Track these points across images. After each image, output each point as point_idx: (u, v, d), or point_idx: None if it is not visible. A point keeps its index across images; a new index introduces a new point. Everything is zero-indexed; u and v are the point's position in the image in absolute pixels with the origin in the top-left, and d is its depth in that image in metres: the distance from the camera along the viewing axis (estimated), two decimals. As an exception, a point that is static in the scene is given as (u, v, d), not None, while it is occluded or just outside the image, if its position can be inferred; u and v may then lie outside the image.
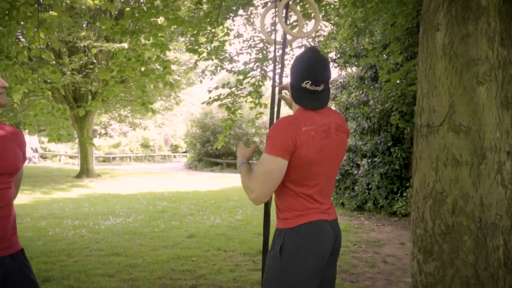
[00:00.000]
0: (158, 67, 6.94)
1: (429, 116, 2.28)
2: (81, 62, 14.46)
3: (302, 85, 1.96)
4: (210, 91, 6.33)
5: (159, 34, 4.67)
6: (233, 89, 6.16)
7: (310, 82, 1.94)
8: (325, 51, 8.87)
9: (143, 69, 4.77)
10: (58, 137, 4.85)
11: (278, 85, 2.27)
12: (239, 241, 6.24)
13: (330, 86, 2.05)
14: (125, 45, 14.47)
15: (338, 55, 10.95)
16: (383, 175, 8.82)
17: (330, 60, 11.03)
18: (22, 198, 10.64)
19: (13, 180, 2.02)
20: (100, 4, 6.37)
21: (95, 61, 15.51)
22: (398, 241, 6.59)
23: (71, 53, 15.22)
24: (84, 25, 15.11)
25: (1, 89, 1.92)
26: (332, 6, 7.45)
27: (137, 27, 4.57)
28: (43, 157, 30.54)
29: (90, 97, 17.46)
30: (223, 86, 6.15)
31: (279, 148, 1.86)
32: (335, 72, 11.84)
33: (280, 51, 2.50)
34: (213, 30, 6.66)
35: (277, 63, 2.47)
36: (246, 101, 6.44)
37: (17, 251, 2.00)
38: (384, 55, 7.09)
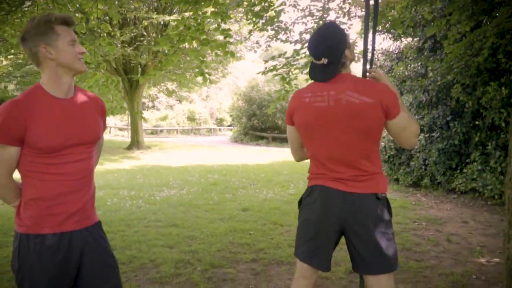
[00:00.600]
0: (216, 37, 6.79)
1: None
2: (131, 34, 14.55)
3: (312, 59, 2.11)
4: (266, 61, 6.16)
5: (220, 2, 4.53)
6: (290, 59, 5.96)
7: (313, 57, 2.08)
8: (382, 21, 8.48)
9: (203, 37, 4.64)
10: (111, 110, 4.86)
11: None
12: (294, 216, 6.12)
13: (345, 59, 2.07)
14: (175, 16, 14.43)
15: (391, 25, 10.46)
16: (441, 150, 8.44)
17: (384, 31, 10.56)
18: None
19: (94, 150, 1.98)
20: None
21: (145, 33, 15.59)
22: (460, 219, 6.31)
23: (121, 26, 15.35)
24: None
25: (80, 55, 1.84)
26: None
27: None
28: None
29: (140, 70, 17.67)
30: (279, 56, 5.96)
31: (287, 117, 2.24)
32: (388, 43, 11.37)
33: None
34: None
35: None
36: (302, 73, 6.22)
37: (94, 223, 1.96)
38: (447, 25, 6.64)
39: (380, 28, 10.03)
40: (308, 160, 2.28)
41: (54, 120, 1.78)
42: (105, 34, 10.26)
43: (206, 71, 5.28)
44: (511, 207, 2.13)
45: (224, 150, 18.59)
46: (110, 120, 33.42)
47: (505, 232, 2.18)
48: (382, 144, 10.00)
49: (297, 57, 5.94)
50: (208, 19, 4.81)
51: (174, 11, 16.36)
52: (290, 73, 6.04)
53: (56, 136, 1.77)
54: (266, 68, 5.98)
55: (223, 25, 4.83)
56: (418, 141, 8.90)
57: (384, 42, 12.00)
